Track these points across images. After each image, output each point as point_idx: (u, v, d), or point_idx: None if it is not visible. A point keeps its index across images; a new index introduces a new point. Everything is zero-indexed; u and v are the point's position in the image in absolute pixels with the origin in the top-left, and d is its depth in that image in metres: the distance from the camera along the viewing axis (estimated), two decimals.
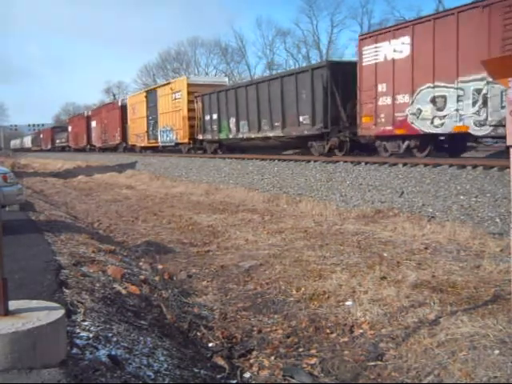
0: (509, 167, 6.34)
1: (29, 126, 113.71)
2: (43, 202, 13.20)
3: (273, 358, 4.09)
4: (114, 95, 77.77)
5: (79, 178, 23.20)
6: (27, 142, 78.71)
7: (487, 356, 3.52)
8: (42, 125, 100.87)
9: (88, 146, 43.17)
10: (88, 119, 42.86)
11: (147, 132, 28.74)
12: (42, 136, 67.67)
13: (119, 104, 34.57)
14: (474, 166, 10.22)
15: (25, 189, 11.68)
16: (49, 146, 60.84)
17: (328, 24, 53.66)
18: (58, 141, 56.52)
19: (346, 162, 13.55)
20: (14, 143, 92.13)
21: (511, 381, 3.22)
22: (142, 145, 30.04)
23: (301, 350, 4.22)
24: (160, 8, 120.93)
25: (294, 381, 3.68)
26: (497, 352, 3.55)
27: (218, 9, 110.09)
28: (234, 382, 3.71)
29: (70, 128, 50.76)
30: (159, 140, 26.93)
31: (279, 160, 16.41)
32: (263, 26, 75.69)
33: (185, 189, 15.98)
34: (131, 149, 32.49)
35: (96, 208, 13.17)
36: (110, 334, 3.64)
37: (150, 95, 28.47)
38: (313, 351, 4.18)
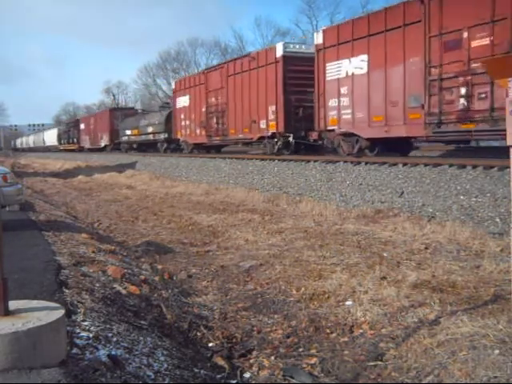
0: (509, 167, 6.32)
1: (29, 125, 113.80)
2: (43, 202, 13.20)
3: (273, 357, 4.09)
4: (114, 95, 77.78)
5: (79, 178, 23.21)
6: (50, 138, 55.28)
7: (487, 356, 3.52)
8: (42, 125, 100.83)
9: (280, 141, 16.78)
10: (278, 66, 16.15)
11: None
12: (83, 127, 41.57)
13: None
14: (474, 166, 10.21)
15: (25, 189, 11.70)
16: (103, 143, 36.46)
17: (328, 24, 53.71)
18: (127, 132, 32.86)
19: (346, 162, 13.53)
20: (21, 141, 78.44)
21: (511, 381, 3.22)
22: None
23: (301, 349, 4.22)
24: (160, 8, 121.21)
25: (293, 381, 3.68)
26: (497, 352, 3.55)
27: (218, 9, 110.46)
28: (234, 382, 3.71)
29: (179, 101, 23.78)
30: None
31: (279, 160, 16.39)
32: (262, 25, 75.22)
33: (185, 189, 15.98)
34: None
35: (96, 208, 13.17)
36: (110, 334, 3.64)
37: None
38: (313, 351, 4.18)
